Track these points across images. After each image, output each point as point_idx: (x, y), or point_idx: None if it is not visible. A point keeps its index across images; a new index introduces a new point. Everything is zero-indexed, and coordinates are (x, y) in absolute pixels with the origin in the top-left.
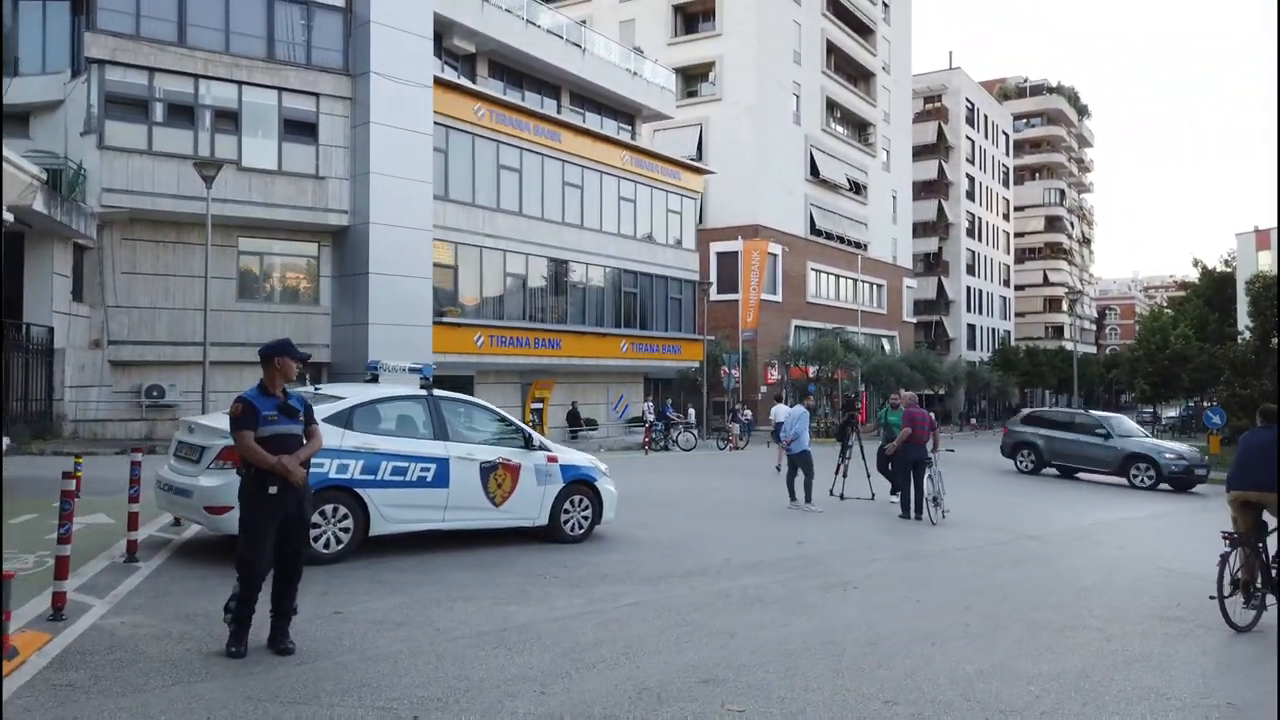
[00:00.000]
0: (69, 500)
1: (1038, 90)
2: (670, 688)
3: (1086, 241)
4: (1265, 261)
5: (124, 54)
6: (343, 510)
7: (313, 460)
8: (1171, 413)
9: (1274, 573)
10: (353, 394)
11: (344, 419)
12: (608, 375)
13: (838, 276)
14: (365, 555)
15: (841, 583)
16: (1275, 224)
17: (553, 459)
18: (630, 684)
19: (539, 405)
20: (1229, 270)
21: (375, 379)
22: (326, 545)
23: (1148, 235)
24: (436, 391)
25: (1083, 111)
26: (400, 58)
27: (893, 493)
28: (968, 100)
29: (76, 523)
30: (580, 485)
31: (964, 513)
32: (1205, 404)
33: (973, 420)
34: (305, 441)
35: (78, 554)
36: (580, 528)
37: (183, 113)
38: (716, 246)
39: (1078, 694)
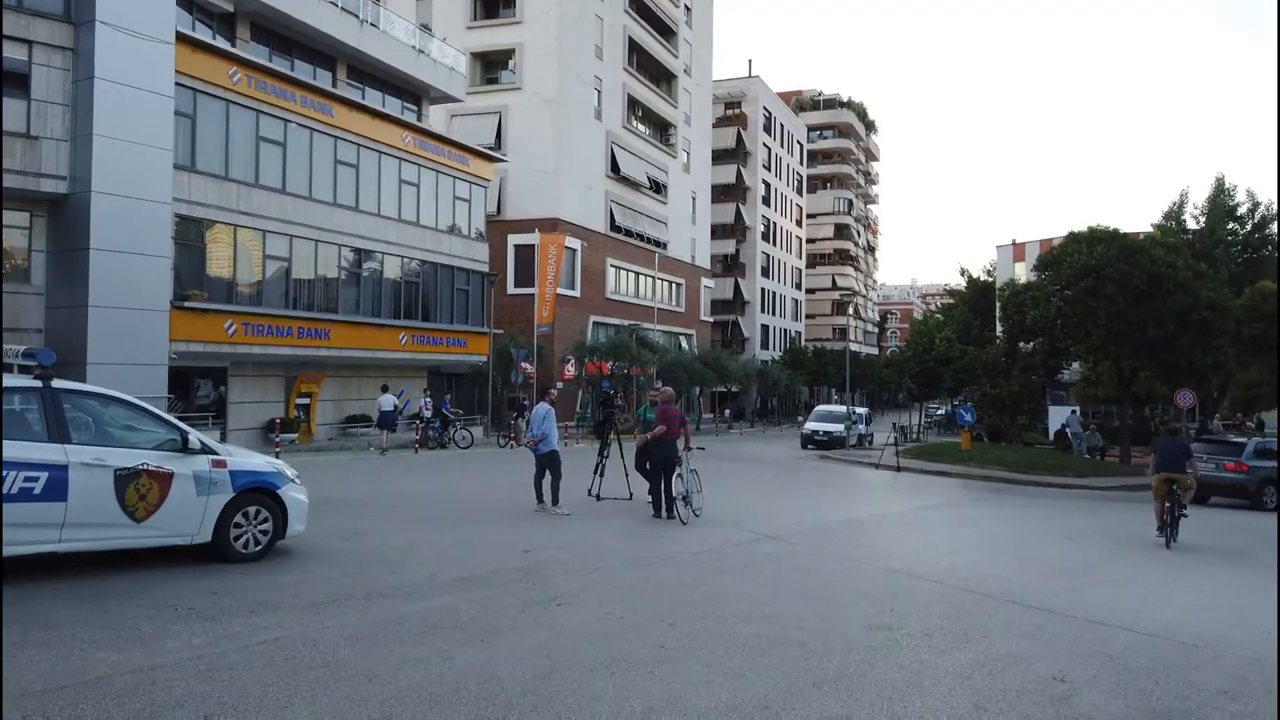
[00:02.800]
0: None
1: (831, 104)
2: None
3: (871, 249)
4: (1020, 272)
5: None
6: None
7: None
8: (942, 410)
9: (1177, 514)
10: None
11: None
12: (385, 369)
13: (637, 274)
14: None
15: (548, 598)
16: None
17: (220, 464)
18: None
19: (305, 400)
20: (990, 280)
21: None
22: None
23: (927, 244)
24: (56, 382)
25: (870, 127)
26: (134, 8)
27: (649, 492)
28: (765, 109)
29: None
30: (258, 494)
31: (720, 510)
32: (968, 403)
33: (786, 420)
34: None
35: None
36: (257, 544)
37: None
38: (515, 239)
39: None
